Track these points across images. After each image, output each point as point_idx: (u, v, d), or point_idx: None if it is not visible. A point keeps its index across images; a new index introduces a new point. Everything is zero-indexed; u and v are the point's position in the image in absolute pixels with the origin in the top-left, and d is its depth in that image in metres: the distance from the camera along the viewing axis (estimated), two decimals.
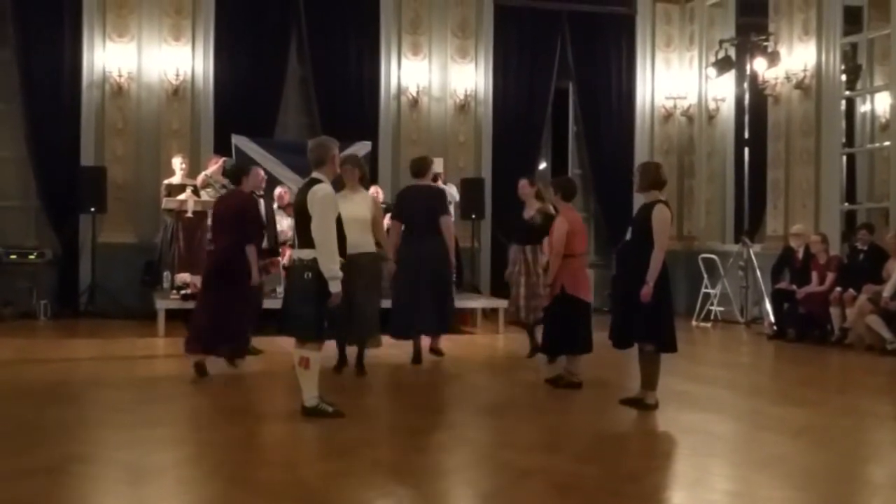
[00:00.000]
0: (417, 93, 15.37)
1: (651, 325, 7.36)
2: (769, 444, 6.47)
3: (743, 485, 5.43)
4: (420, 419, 7.18)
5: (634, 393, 7.52)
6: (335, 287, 6.77)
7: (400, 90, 15.39)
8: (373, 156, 14.60)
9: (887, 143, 13.49)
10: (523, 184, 10.45)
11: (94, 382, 8.66)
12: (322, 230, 6.77)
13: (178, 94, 14.43)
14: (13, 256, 13.84)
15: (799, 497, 5.20)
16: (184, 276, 12.22)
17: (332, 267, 6.76)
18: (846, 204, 13.80)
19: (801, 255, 12.74)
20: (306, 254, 6.86)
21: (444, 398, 8.55)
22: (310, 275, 6.79)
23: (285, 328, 7.20)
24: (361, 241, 8.32)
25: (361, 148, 14.31)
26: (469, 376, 9.46)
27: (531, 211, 10.14)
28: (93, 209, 13.68)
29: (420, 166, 10.03)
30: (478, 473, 5.64)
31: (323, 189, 6.87)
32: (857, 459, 6.41)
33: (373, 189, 11.13)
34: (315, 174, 7.03)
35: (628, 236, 7.78)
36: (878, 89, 14.08)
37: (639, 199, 8.77)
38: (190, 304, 11.92)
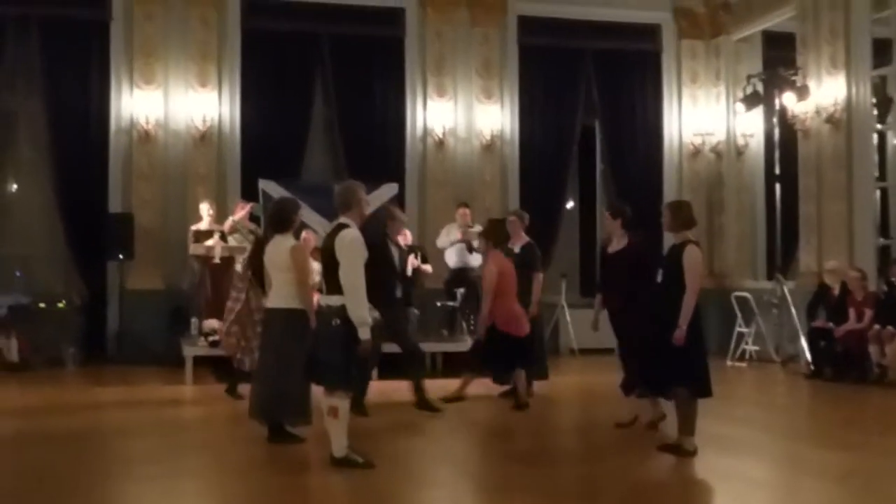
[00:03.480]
0: (443, 134, 15.28)
1: (684, 369, 7.23)
2: (812, 490, 6.28)
3: None
4: (446, 469, 7.04)
5: (672, 439, 7.37)
6: (364, 334, 6.63)
7: (426, 131, 15.30)
8: (400, 198, 14.53)
9: None
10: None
11: (120, 431, 8.55)
12: (351, 276, 6.64)
13: (205, 139, 14.39)
14: (42, 304, 13.83)
15: None
16: (211, 323, 12.11)
17: (361, 313, 6.63)
18: (881, 239, 13.56)
19: (836, 291, 12.55)
20: (335, 300, 6.72)
21: (468, 444, 8.34)
22: (338, 321, 6.65)
23: (313, 376, 7.07)
24: None
25: (388, 191, 14.26)
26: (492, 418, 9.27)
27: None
28: (120, 256, 13.64)
29: None
30: None
31: (350, 234, 6.75)
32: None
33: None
34: (342, 219, 6.92)
35: (659, 278, 7.61)
36: None
37: (668, 238, 8.68)
38: (218, 351, 11.86)
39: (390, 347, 9.38)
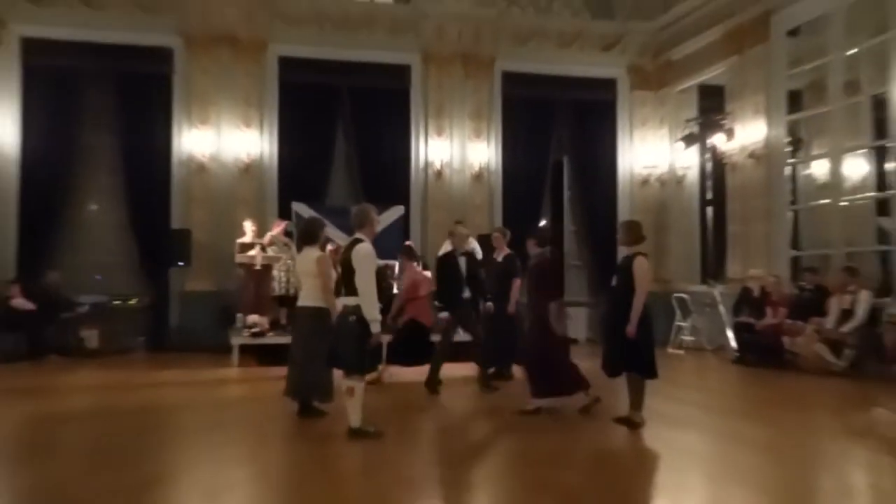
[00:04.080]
0: (441, 166, 15.27)
1: (636, 357, 7.18)
2: (740, 458, 6.17)
3: (721, 497, 5.13)
4: (441, 438, 6.94)
5: (624, 412, 7.28)
6: (375, 328, 6.61)
7: (427, 164, 15.28)
8: (405, 218, 14.52)
9: (825, 201, 13.24)
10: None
11: (178, 407, 8.45)
12: (364, 281, 6.59)
13: (249, 170, 14.37)
14: (116, 302, 13.83)
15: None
16: (253, 318, 12.07)
17: (372, 312, 6.58)
18: (793, 251, 13.51)
19: (757, 293, 12.53)
20: (351, 301, 6.67)
21: (460, 418, 8.18)
22: (354, 318, 6.60)
23: (334, 363, 6.99)
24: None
25: (395, 212, 14.24)
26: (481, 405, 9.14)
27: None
28: (180, 263, 13.63)
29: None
30: (498, 487, 5.36)
31: (364, 248, 6.69)
32: (814, 470, 6.11)
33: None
34: (358, 235, 6.86)
35: (614, 282, 7.54)
36: (816, 157, 13.84)
37: (622, 250, 8.63)
38: (258, 341, 11.80)
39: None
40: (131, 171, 14.13)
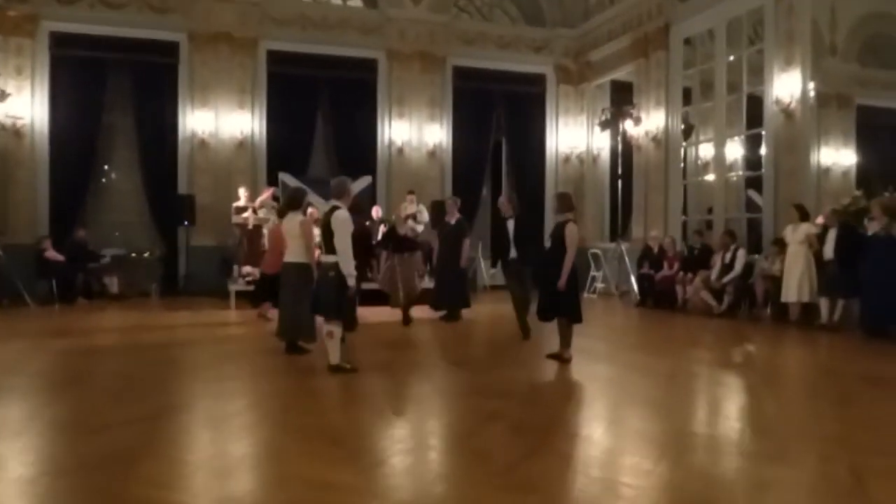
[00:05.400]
0: (402, 144, 14.84)
1: (565, 306, 6.96)
2: (647, 386, 6.01)
3: (633, 420, 4.96)
4: (408, 373, 6.66)
5: (555, 349, 7.09)
6: (351, 282, 6.28)
7: (390, 142, 14.82)
8: (372, 186, 14.11)
9: (710, 177, 13.16)
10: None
11: (186, 344, 8.02)
12: (342, 243, 6.24)
13: (242, 145, 13.79)
14: (133, 255, 13.29)
15: (659, 426, 4.70)
16: (247, 269, 11.63)
17: (349, 268, 6.24)
18: (684, 216, 13.45)
19: (656, 250, 12.44)
20: (330, 258, 6.31)
21: (423, 355, 7.90)
22: (333, 273, 6.26)
23: (317, 310, 6.63)
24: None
25: (364, 181, 13.79)
26: (437, 343, 8.87)
27: (403, 228, 9.94)
28: (186, 222, 13.07)
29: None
30: (454, 416, 5.10)
31: (342, 214, 6.32)
32: (698, 393, 6.00)
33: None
34: (335, 202, 6.48)
35: (548, 244, 7.28)
36: (703, 141, 13.73)
37: (549, 211, 8.41)
38: (251, 288, 11.36)
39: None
40: (144, 146, 13.49)
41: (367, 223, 10.27)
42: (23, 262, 11.54)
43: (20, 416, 4.87)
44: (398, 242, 9.66)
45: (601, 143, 15.63)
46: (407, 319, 9.37)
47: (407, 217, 10.88)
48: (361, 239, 8.22)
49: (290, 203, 7.43)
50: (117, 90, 13.42)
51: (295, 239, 7.18)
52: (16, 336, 8.57)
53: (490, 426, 4.62)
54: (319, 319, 6.68)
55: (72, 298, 11.86)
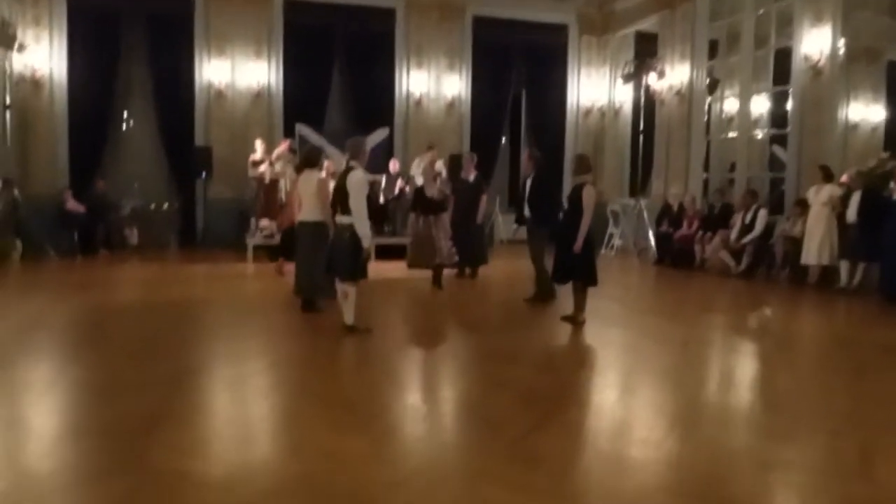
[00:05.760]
0: (420, 96, 14.69)
1: (581, 269, 6.94)
2: (661, 354, 6.00)
3: (644, 389, 4.99)
4: (422, 335, 6.74)
5: (569, 312, 7.11)
6: (366, 243, 6.26)
7: (408, 94, 14.66)
8: (390, 139, 14.04)
9: (733, 134, 12.90)
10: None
11: (204, 301, 8.15)
12: (357, 204, 6.21)
13: (259, 96, 13.74)
14: (152, 206, 13.42)
15: (671, 396, 4.72)
16: (264, 222, 11.68)
17: (364, 230, 6.23)
18: (705, 174, 13.25)
19: (675, 208, 12.32)
20: (346, 219, 6.28)
21: (437, 316, 7.91)
22: (348, 234, 6.25)
23: (332, 271, 6.66)
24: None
25: (381, 133, 13.73)
26: (451, 302, 8.85)
27: (432, 190, 9.05)
28: (203, 175, 13.14)
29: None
30: (466, 382, 5.17)
31: (358, 175, 6.28)
32: (712, 361, 6.01)
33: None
34: (352, 163, 6.42)
35: (565, 206, 7.23)
36: (728, 97, 13.42)
37: (568, 164, 8.27)
38: (268, 242, 11.44)
39: None
40: (161, 97, 13.49)
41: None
42: (44, 213, 11.70)
43: (46, 375, 5.01)
44: (426, 204, 9.11)
45: (623, 96, 15.34)
46: (438, 281, 8.94)
47: (435, 176, 10.66)
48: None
49: (307, 162, 7.41)
50: (134, 40, 13.34)
51: (311, 197, 7.16)
52: (39, 289, 8.75)
53: (501, 394, 4.68)
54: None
55: (93, 250, 12.03)
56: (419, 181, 11.72)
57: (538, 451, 3.67)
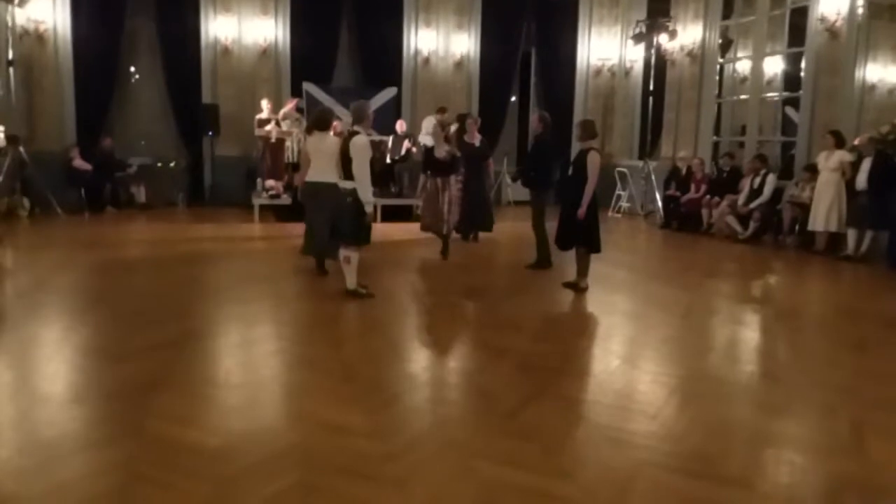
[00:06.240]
0: (428, 54, 14.42)
1: (584, 235, 6.91)
2: (663, 323, 6.00)
3: (643, 361, 4.99)
4: (421, 299, 6.74)
5: (572, 278, 7.10)
6: (369, 208, 6.25)
7: (416, 52, 14.39)
8: (398, 98, 13.82)
9: (745, 96, 12.65)
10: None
11: (211, 259, 8.21)
12: (360, 169, 6.18)
13: (266, 53, 13.52)
14: (159, 164, 13.35)
15: (670, 368, 4.73)
16: (270, 182, 11.66)
17: (367, 195, 6.21)
18: (715, 137, 13.05)
19: (683, 171, 12.19)
20: (349, 184, 6.25)
21: (439, 281, 7.84)
22: (350, 199, 6.22)
23: (336, 235, 6.65)
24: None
25: (389, 93, 13.52)
26: (454, 268, 8.76)
27: (441, 151, 8.64)
28: (210, 133, 13.07)
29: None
30: (464, 351, 5.18)
31: (361, 140, 6.22)
32: (714, 330, 5.99)
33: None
34: (355, 127, 6.36)
35: (570, 172, 7.13)
36: (741, 58, 13.11)
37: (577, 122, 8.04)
38: (274, 202, 11.42)
39: None
40: (167, 53, 13.27)
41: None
42: (51, 170, 11.68)
43: (52, 337, 5.07)
44: (437, 166, 8.71)
45: (635, 55, 15.01)
46: (446, 251, 8.63)
47: (447, 137, 10.26)
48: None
49: (318, 123, 7.25)
50: None
51: (323, 158, 7.00)
52: (47, 246, 8.80)
53: (499, 363, 4.70)
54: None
55: (100, 207, 12.06)
56: (428, 142, 11.35)
57: (533, 424, 3.69)
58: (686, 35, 12.98)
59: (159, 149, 13.62)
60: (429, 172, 8.74)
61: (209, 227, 10.70)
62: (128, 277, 7.27)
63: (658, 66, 13.92)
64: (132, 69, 13.76)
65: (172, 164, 13.36)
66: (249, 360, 4.72)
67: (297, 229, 9.16)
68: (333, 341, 5.20)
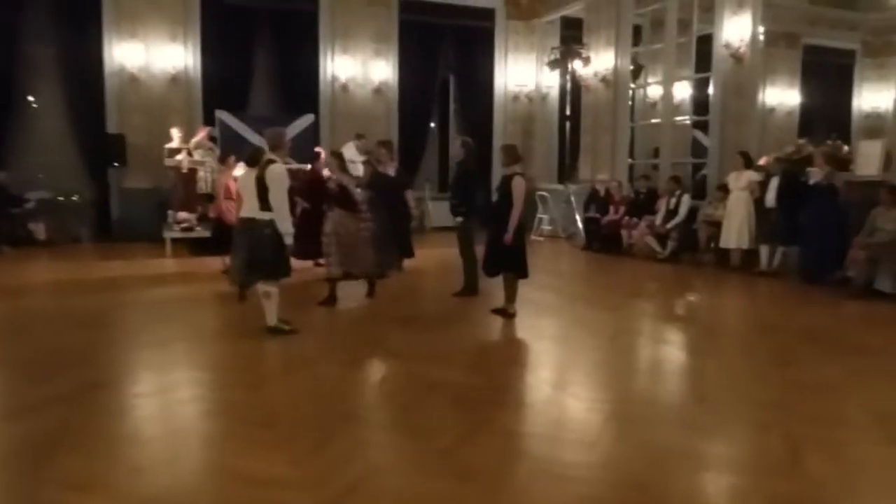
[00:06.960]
0: (346, 81, 14.19)
1: (512, 260, 6.84)
2: (593, 347, 5.97)
3: (576, 387, 4.91)
4: (349, 334, 6.48)
5: (500, 304, 7.00)
6: (289, 240, 5.97)
7: (334, 78, 14.14)
8: (315, 125, 13.53)
9: (657, 120, 13.05)
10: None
11: (117, 302, 7.57)
12: (278, 199, 5.91)
13: (176, 81, 12.94)
14: (61, 198, 12.51)
15: (602, 393, 4.66)
16: (182, 214, 11.12)
17: (286, 226, 5.94)
18: (630, 160, 13.38)
19: (602, 193, 12.38)
20: (266, 215, 5.95)
21: (365, 312, 7.58)
22: (269, 231, 5.93)
23: (253, 270, 6.27)
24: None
25: (307, 120, 13.22)
26: (380, 298, 8.56)
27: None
28: (116, 164, 12.38)
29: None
30: (395, 386, 4.95)
31: (278, 168, 5.96)
32: (638, 350, 6.00)
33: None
34: (271, 155, 6.09)
35: (494, 198, 7.07)
36: (651, 84, 13.57)
37: (497, 148, 8.04)
38: (187, 235, 10.88)
39: None
40: (68, 80, 12.55)
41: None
42: None
43: None
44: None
45: (551, 81, 15.29)
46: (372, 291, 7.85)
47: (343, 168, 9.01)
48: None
49: (250, 162, 6.78)
50: (37, 20, 12.35)
51: (253, 196, 6.63)
52: None
53: (431, 398, 4.50)
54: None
55: None
56: (359, 167, 10.06)
57: (470, 463, 3.51)
58: (599, 61, 13.31)
59: (60, 182, 12.77)
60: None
61: (117, 263, 10.06)
62: (24, 322, 6.67)
63: (574, 91, 14.21)
64: (30, 98, 12.96)
65: (75, 198, 12.56)
66: (160, 410, 4.35)
67: (214, 263, 8.77)
68: (254, 384, 4.86)
